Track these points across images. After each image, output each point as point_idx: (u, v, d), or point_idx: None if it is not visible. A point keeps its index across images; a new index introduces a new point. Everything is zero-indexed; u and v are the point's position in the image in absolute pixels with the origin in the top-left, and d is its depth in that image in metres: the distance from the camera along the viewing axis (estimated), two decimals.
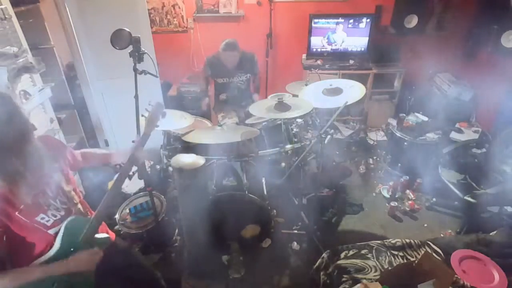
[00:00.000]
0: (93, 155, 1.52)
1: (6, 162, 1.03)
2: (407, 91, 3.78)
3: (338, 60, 3.70)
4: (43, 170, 1.15)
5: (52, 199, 1.21)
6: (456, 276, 1.45)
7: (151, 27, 3.35)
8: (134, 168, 2.93)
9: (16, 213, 1.10)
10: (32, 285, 1.11)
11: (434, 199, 2.73)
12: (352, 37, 3.64)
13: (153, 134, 2.14)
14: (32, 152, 1.09)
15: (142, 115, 2.07)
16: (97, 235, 1.32)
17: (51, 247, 1.20)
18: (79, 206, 1.34)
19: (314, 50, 3.72)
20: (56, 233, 1.21)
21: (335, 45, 3.70)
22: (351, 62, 3.69)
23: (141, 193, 2.38)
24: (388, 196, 2.81)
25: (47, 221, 1.19)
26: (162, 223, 2.16)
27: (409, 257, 1.70)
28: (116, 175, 1.39)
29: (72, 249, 1.23)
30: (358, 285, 1.43)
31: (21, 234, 1.13)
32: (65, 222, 1.23)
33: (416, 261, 1.47)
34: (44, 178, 1.18)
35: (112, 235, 1.54)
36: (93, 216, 1.31)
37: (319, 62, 3.69)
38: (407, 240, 1.78)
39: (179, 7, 3.67)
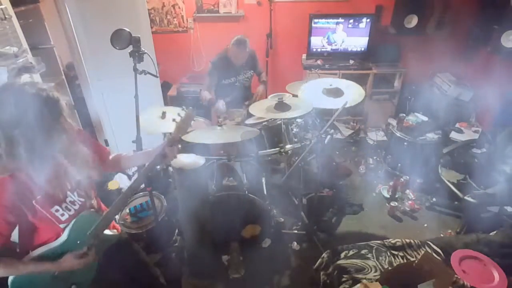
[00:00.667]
0: (125, 158, 1.49)
1: (37, 150, 1.03)
2: (407, 91, 3.78)
3: (338, 60, 3.70)
4: (67, 161, 1.16)
5: (70, 191, 1.23)
6: (456, 276, 1.45)
7: (151, 27, 3.35)
8: (134, 168, 2.94)
9: (33, 202, 1.11)
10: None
11: (434, 199, 2.73)
12: (352, 37, 3.64)
13: (153, 134, 2.16)
14: (62, 143, 1.09)
15: (174, 120, 2.07)
16: (106, 231, 1.33)
17: (58, 237, 1.22)
18: (94, 201, 1.35)
19: (314, 50, 3.72)
20: (66, 227, 1.22)
21: (335, 45, 3.70)
22: (351, 62, 3.69)
23: (141, 193, 2.38)
24: (388, 196, 2.82)
25: (62, 214, 1.19)
26: (162, 223, 2.16)
27: (409, 257, 1.70)
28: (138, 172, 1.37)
29: (78, 242, 1.23)
30: (358, 285, 1.43)
31: (34, 222, 1.14)
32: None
33: (416, 261, 1.47)
34: (66, 169, 1.19)
35: (118, 228, 1.55)
36: (105, 212, 1.31)
37: (319, 62, 3.69)
38: (407, 240, 1.78)
39: (179, 7, 3.67)
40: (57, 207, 1.18)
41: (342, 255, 1.72)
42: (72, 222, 1.22)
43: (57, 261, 1.18)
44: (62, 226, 1.20)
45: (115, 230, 1.41)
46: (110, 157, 1.49)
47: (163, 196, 2.32)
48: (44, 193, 1.13)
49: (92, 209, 1.31)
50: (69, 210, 1.21)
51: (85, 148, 1.27)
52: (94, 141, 1.42)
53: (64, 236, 1.21)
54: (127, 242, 1.59)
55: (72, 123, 1.15)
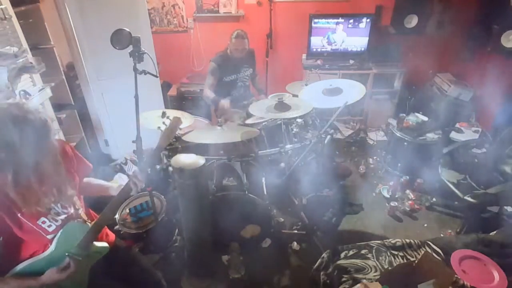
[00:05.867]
0: (92, 185, 1.48)
1: (19, 166, 1.02)
2: (407, 91, 3.78)
3: (338, 60, 3.70)
4: (50, 174, 1.14)
5: (54, 203, 1.20)
6: (456, 276, 1.45)
7: (151, 27, 3.35)
8: (134, 168, 2.94)
9: (19, 214, 1.11)
10: None
11: (434, 199, 2.73)
12: (352, 37, 3.64)
13: (153, 134, 2.16)
14: (45, 157, 1.08)
15: (159, 128, 2.07)
16: (95, 243, 1.30)
17: (45, 249, 1.20)
18: (81, 212, 1.32)
19: (314, 50, 3.72)
20: (53, 238, 1.20)
21: (335, 45, 3.70)
22: (351, 62, 3.69)
23: (141, 193, 2.38)
24: (388, 196, 2.81)
25: (49, 226, 1.18)
26: (162, 223, 2.16)
27: (409, 257, 1.70)
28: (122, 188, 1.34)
29: (67, 254, 1.21)
30: (358, 285, 1.43)
31: (19, 235, 1.13)
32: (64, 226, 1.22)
33: (416, 261, 1.47)
34: (49, 182, 1.17)
35: (112, 236, 1.53)
36: (93, 222, 1.29)
37: (319, 62, 3.69)
38: (407, 240, 1.78)
39: (179, 7, 3.67)
40: (43, 218, 1.17)
41: (342, 255, 1.72)
42: (59, 232, 1.20)
43: (39, 277, 1.15)
44: (49, 237, 1.19)
45: (104, 243, 1.37)
46: (84, 179, 1.45)
47: (163, 196, 2.32)
48: (28, 206, 1.11)
49: (79, 219, 1.29)
50: (56, 221, 1.20)
51: (69, 162, 1.27)
52: (79, 157, 1.40)
53: (51, 248, 1.19)
54: (125, 249, 1.57)
55: (57, 141, 1.14)
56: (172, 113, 2.24)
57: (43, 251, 1.20)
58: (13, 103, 1.04)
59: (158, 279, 1.61)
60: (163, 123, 1.50)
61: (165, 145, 1.34)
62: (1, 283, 1.11)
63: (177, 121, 1.33)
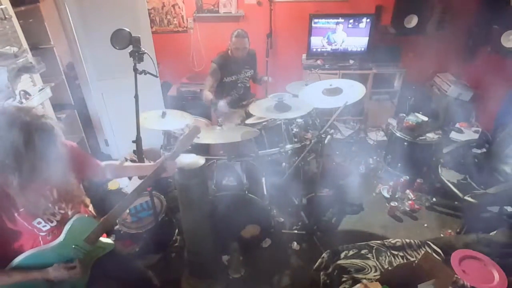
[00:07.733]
0: (116, 169, 1.48)
1: (25, 170, 1.03)
2: (407, 91, 3.77)
3: (338, 60, 3.70)
4: (55, 178, 1.15)
5: (52, 203, 1.21)
6: (456, 276, 1.45)
7: (151, 27, 3.35)
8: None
9: (16, 214, 1.11)
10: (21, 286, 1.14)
11: (434, 199, 2.73)
12: (352, 37, 3.64)
13: (153, 134, 2.16)
14: (51, 162, 1.08)
15: (174, 132, 2.13)
16: (101, 239, 1.31)
17: (36, 245, 1.21)
18: (90, 208, 1.34)
19: (314, 50, 3.72)
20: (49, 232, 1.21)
21: (335, 45, 3.70)
22: (351, 62, 3.69)
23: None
24: (388, 196, 2.81)
25: (43, 226, 1.19)
26: (162, 223, 2.16)
27: (409, 257, 1.70)
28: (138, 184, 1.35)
29: (73, 246, 1.23)
30: (358, 285, 1.43)
31: (14, 228, 1.14)
32: (74, 218, 1.22)
33: (416, 261, 1.47)
34: (54, 185, 1.19)
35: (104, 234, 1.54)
36: (103, 218, 1.30)
37: (319, 62, 3.69)
38: (407, 240, 1.78)
39: (179, 7, 3.67)
40: (39, 219, 1.18)
41: (342, 255, 1.72)
42: (70, 223, 1.21)
43: (45, 269, 1.17)
44: (42, 234, 1.21)
45: (110, 240, 1.38)
46: (103, 164, 1.47)
47: (163, 196, 2.32)
48: (26, 206, 1.12)
49: (87, 215, 1.30)
50: (51, 221, 1.21)
51: (73, 164, 1.27)
52: (85, 156, 1.41)
53: (60, 238, 1.20)
54: (114, 247, 1.58)
55: (63, 143, 1.15)
56: (173, 112, 2.25)
57: (31, 246, 1.20)
58: (22, 109, 1.05)
59: (148, 278, 1.60)
60: (182, 129, 1.55)
61: (181, 152, 1.38)
62: (4, 276, 1.12)
63: (196, 130, 1.36)
